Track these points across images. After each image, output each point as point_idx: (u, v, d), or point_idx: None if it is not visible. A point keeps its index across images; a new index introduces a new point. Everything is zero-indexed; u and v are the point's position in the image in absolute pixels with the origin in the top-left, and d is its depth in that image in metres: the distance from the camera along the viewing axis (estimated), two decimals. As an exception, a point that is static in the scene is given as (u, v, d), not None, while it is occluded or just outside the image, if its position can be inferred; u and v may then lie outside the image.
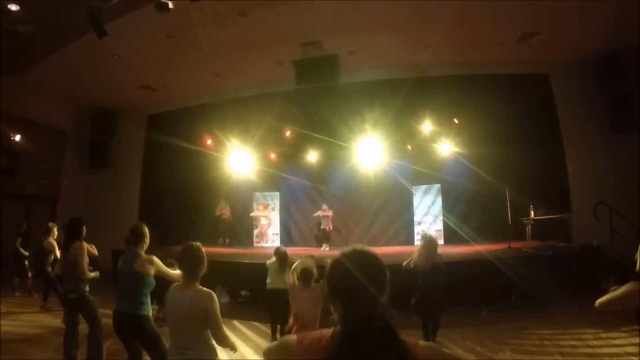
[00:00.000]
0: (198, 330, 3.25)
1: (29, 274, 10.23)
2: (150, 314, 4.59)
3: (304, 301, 5.00)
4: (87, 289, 5.68)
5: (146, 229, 4.84)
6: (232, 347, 3.46)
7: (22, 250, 10.12)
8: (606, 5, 9.40)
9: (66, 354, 5.65)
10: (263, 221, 14.97)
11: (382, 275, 1.60)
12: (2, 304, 8.80)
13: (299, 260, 6.07)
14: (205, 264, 3.43)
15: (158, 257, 4.75)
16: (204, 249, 3.48)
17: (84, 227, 5.91)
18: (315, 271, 5.24)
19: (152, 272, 4.54)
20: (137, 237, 4.73)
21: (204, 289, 3.35)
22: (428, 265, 6.16)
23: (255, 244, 15.31)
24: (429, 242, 6.34)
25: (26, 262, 10.17)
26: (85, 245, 5.79)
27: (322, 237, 13.83)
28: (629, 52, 11.20)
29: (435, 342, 6.30)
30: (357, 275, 1.54)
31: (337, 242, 14.23)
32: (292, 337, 1.62)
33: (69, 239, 5.78)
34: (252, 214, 15.29)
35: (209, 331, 3.30)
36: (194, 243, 3.48)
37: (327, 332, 1.55)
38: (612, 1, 9.23)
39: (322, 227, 13.95)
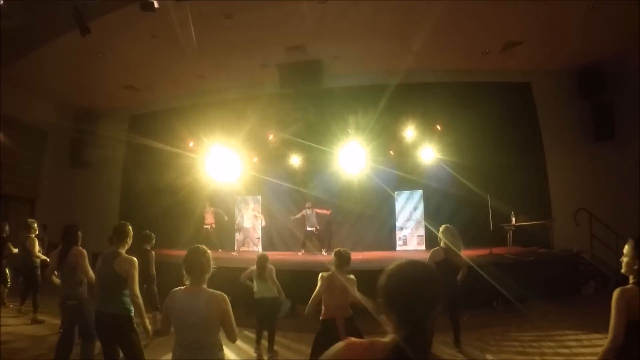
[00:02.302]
0: (213, 332, 3.27)
1: (9, 283, 9.67)
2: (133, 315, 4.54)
3: (340, 289, 4.95)
4: (87, 296, 5.67)
5: (130, 229, 4.84)
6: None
7: (4, 255, 9.46)
8: (589, 16, 9.55)
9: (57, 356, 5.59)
10: (247, 224, 14.74)
11: (439, 290, 1.61)
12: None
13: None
14: (211, 267, 3.43)
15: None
16: (209, 252, 3.48)
17: (79, 233, 5.95)
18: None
19: (133, 273, 4.47)
20: (120, 236, 4.71)
21: (217, 291, 3.35)
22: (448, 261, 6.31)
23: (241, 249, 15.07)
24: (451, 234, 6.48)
25: (7, 271, 9.55)
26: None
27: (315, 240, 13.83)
28: (610, 62, 11.40)
29: (459, 342, 6.48)
30: (415, 289, 1.57)
31: (317, 247, 14.26)
32: (340, 345, 1.64)
33: (66, 245, 5.75)
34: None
35: (220, 333, 3.34)
36: (200, 246, 3.47)
37: (377, 341, 1.59)
38: (594, 12, 9.37)
39: (308, 228, 13.89)
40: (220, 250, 14.03)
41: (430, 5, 9.28)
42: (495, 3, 9.28)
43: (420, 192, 14.55)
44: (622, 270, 3.18)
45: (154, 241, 7.91)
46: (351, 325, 4.89)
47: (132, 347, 4.45)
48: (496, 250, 11.04)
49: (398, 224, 14.71)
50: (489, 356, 6.30)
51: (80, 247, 5.77)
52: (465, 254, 10.50)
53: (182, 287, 3.39)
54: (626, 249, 3.17)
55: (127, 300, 4.48)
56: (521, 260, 10.01)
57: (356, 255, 12.55)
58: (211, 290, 3.34)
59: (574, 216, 10.94)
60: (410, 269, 1.63)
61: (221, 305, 3.26)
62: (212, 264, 3.44)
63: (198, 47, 10.98)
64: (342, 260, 5.10)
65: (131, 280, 4.43)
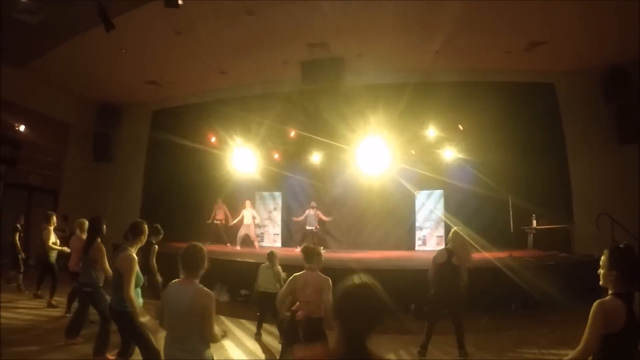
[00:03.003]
0: (196, 326, 3.32)
1: (22, 269, 10.25)
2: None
3: (310, 287, 4.93)
4: (102, 284, 6.04)
5: (146, 228, 4.97)
6: (219, 338, 3.52)
7: (19, 245, 10.09)
8: (614, 16, 9.37)
9: (68, 334, 6.26)
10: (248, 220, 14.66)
11: (380, 311, 1.95)
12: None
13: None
14: (206, 264, 3.53)
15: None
16: (205, 250, 3.59)
17: (104, 225, 6.35)
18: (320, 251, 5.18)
19: (128, 271, 4.57)
20: (134, 233, 4.86)
21: (204, 288, 3.44)
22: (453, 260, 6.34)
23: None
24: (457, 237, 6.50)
25: (20, 257, 10.16)
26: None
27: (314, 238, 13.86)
28: (635, 64, 11.18)
29: (464, 350, 6.31)
30: (360, 307, 1.91)
31: (332, 245, 14.31)
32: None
33: (90, 237, 6.23)
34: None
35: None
36: (196, 243, 3.58)
37: (322, 350, 1.99)
38: (619, 13, 9.20)
39: (308, 227, 14.01)
40: (228, 245, 14.11)
41: (453, 4, 9.21)
42: (519, 2, 9.16)
43: (440, 191, 14.45)
44: (600, 282, 3.16)
45: (161, 236, 8.06)
46: (315, 326, 4.85)
47: (142, 344, 4.59)
48: (516, 253, 10.92)
49: (418, 223, 14.64)
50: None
51: (100, 243, 6.09)
52: (485, 256, 10.49)
53: (177, 280, 3.54)
54: (602, 259, 3.13)
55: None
56: (541, 264, 9.89)
57: (374, 254, 12.59)
58: (200, 285, 3.46)
59: (596, 221, 10.73)
60: (360, 293, 1.96)
61: (204, 299, 3.35)
62: (207, 262, 3.55)
63: (220, 43, 11.08)
64: (308, 255, 5.07)
65: (126, 278, 4.53)
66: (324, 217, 14.27)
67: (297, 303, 5.07)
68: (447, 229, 13.68)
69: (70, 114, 15.28)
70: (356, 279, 2.00)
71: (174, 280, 3.56)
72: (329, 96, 12.91)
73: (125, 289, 4.47)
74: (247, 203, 14.54)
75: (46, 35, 10.52)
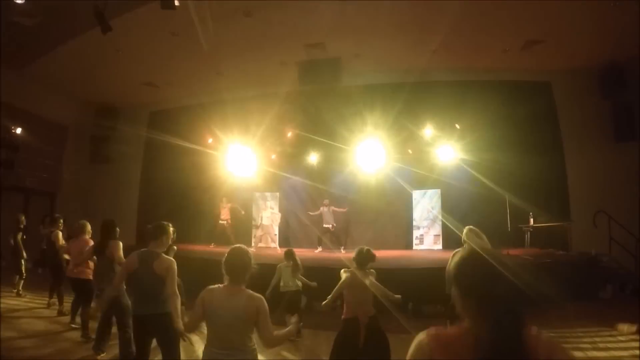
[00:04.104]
0: (247, 332, 3.23)
1: (24, 274, 9.96)
2: None
3: (361, 287, 4.94)
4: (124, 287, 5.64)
5: (170, 229, 4.84)
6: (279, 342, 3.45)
7: (21, 246, 9.85)
8: (610, 14, 9.41)
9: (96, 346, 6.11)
10: (267, 221, 14.72)
11: (523, 274, 1.55)
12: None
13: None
14: (252, 267, 3.39)
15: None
16: (251, 253, 3.44)
17: (117, 228, 6.40)
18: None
19: (174, 271, 4.44)
20: (158, 235, 4.66)
21: (256, 293, 3.32)
22: None
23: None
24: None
25: (22, 262, 9.87)
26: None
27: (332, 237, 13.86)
28: (632, 61, 11.21)
29: None
30: (500, 275, 1.51)
31: (334, 244, 14.29)
32: (423, 336, 1.59)
33: (104, 239, 6.20)
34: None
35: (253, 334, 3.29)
36: (241, 246, 3.44)
37: (461, 330, 1.54)
38: (616, 11, 9.23)
39: (325, 225, 13.95)
40: (247, 245, 13.94)
41: (450, 3, 9.23)
42: (515, 1, 9.19)
43: (437, 190, 14.47)
44: None
45: (174, 236, 8.02)
46: (374, 324, 4.90)
47: (173, 345, 4.45)
48: (513, 251, 10.93)
49: (415, 222, 14.66)
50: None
51: (118, 240, 6.19)
52: (482, 254, 10.48)
53: (220, 285, 3.36)
54: None
55: (166, 299, 4.35)
56: (538, 262, 9.93)
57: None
58: (250, 291, 3.33)
59: (593, 218, 10.79)
60: (490, 254, 1.58)
61: (257, 302, 3.24)
62: (254, 264, 3.41)
63: (217, 45, 11.06)
64: (363, 258, 5.06)
65: (170, 278, 4.35)
66: (339, 210, 14.21)
67: (345, 308, 5.07)
68: (444, 227, 13.75)
69: (67, 116, 15.27)
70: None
71: (217, 286, 3.37)
72: (327, 96, 12.90)
73: (172, 287, 4.29)
74: (269, 204, 14.81)
75: (43, 38, 10.52)
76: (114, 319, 5.89)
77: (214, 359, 3.19)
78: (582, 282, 9.66)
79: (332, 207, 14.11)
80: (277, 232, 15.39)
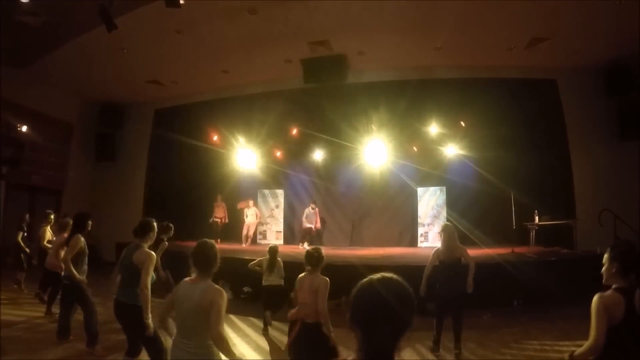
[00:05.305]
0: (203, 324, 3.25)
1: (25, 268, 10.23)
2: None
3: (305, 289, 4.80)
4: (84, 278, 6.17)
5: (155, 225, 5.01)
6: (227, 343, 3.29)
7: (22, 244, 10.07)
8: (616, 12, 9.35)
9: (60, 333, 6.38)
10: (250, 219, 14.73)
11: (408, 315, 1.55)
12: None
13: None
14: (218, 261, 3.48)
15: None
16: (217, 246, 3.54)
17: (89, 222, 6.45)
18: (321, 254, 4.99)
19: (147, 266, 4.60)
20: (144, 231, 4.89)
21: (216, 285, 3.38)
22: (450, 257, 6.40)
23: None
24: (447, 232, 6.57)
25: (22, 257, 10.11)
26: (82, 239, 6.25)
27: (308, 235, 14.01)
28: (638, 60, 11.15)
29: (460, 348, 6.36)
30: (382, 311, 1.52)
31: (339, 241, 14.34)
32: None
33: (73, 233, 6.29)
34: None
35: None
36: (208, 240, 3.54)
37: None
38: (622, 9, 9.18)
39: (308, 225, 14.06)
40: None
41: (455, 1, 9.22)
42: (521, -1, 9.18)
43: (442, 188, 14.46)
44: (603, 280, 3.18)
45: (171, 233, 8.09)
46: (314, 331, 4.63)
47: (148, 339, 4.55)
48: (518, 249, 10.95)
49: (420, 220, 14.66)
50: (508, 357, 6.27)
51: (79, 237, 6.23)
52: (487, 251, 10.49)
53: (187, 279, 3.48)
54: (604, 257, 3.19)
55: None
56: (543, 260, 9.91)
57: (377, 251, 12.60)
58: (211, 282, 3.39)
59: (598, 217, 10.74)
60: (381, 288, 1.56)
61: (213, 295, 3.28)
62: (219, 259, 3.49)
63: (222, 42, 11.09)
64: (313, 259, 4.91)
65: (144, 270, 4.55)
66: (318, 220, 14.32)
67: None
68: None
69: (72, 114, 15.31)
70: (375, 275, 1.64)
71: (185, 279, 3.49)
72: (331, 94, 12.91)
73: (143, 279, 4.49)
74: (251, 202, 14.62)
75: (48, 37, 10.55)
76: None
77: (176, 347, 3.35)
78: (587, 281, 9.63)
79: (317, 213, 14.24)
80: (281, 229, 15.46)
